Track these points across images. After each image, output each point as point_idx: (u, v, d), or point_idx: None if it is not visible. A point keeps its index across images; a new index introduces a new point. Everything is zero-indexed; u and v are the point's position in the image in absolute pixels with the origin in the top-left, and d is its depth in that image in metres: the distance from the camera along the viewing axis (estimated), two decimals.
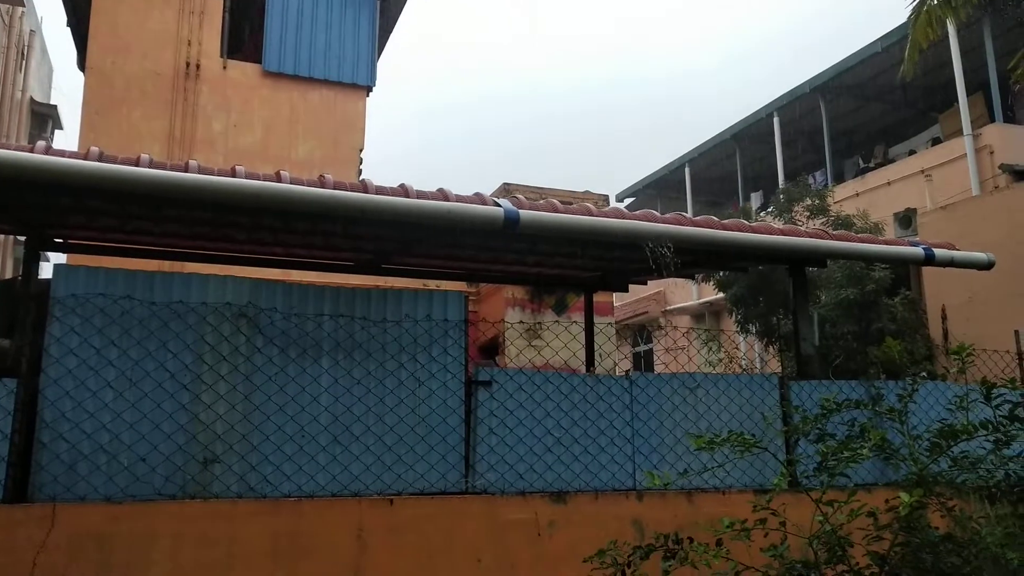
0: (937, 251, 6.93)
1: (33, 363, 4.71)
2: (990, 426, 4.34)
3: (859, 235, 7.87)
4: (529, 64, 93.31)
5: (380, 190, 5.30)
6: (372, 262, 7.83)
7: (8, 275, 17.56)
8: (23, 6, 17.14)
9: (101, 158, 4.66)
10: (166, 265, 9.89)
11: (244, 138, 13.60)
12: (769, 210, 16.61)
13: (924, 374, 7.71)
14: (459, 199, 5.55)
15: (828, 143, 19.34)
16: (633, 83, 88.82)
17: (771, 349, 15.51)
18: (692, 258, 7.15)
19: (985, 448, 4.56)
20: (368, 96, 14.43)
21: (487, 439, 5.41)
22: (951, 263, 7.09)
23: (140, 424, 4.66)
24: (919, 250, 6.90)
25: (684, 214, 6.51)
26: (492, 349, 13.07)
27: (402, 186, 5.48)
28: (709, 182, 24.88)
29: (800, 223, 14.58)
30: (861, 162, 20.24)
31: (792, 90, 19.76)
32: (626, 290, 9.65)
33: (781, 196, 16.09)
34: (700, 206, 24.36)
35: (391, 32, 15.88)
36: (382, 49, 15.72)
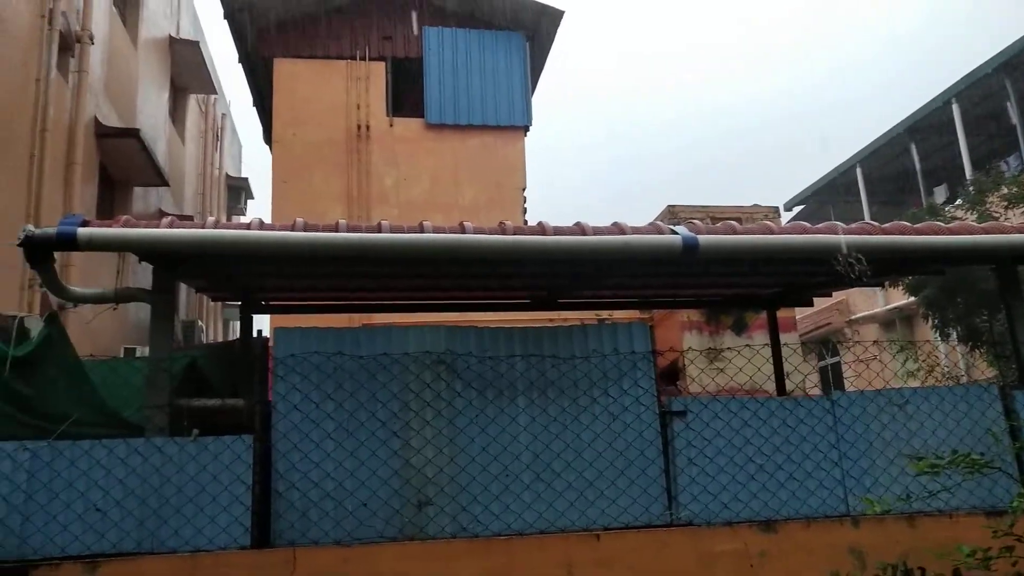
0: None
1: (261, 419, 5.17)
2: None
3: None
4: (679, 83, 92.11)
5: (558, 230, 5.44)
6: (547, 298, 7.98)
7: (212, 333, 19.35)
8: (215, 93, 19.08)
9: (306, 228, 5.11)
10: (356, 317, 10.62)
11: (413, 189, 14.37)
12: (957, 203, 15.37)
13: None
14: (635, 231, 5.58)
15: (1021, 123, 17.69)
16: (776, 97, 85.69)
17: (977, 354, 14.24)
18: (882, 266, 6.77)
19: None
20: (525, 136, 14.82)
21: (687, 469, 5.35)
22: None
23: (359, 471, 4.99)
24: None
25: (872, 222, 6.18)
26: (671, 375, 12.88)
27: (578, 224, 5.59)
28: (884, 181, 23.38)
29: (997, 215, 13.39)
30: None
31: (972, 72, 18.28)
32: (811, 304, 9.25)
33: (971, 188, 14.85)
34: (877, 207, 22.95)
35: (542, 70, 16.28)
36: (535, 87, 16.13)
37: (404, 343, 5.31)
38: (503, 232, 5.34)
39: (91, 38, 11.20)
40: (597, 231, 5.51)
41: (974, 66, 18.15)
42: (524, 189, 14.56)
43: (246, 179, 22.36)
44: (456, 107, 14.58)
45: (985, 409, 5.81)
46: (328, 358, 5.16)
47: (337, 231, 5.14)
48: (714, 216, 13.02)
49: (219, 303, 18.23)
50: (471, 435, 5.17)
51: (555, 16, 15.11)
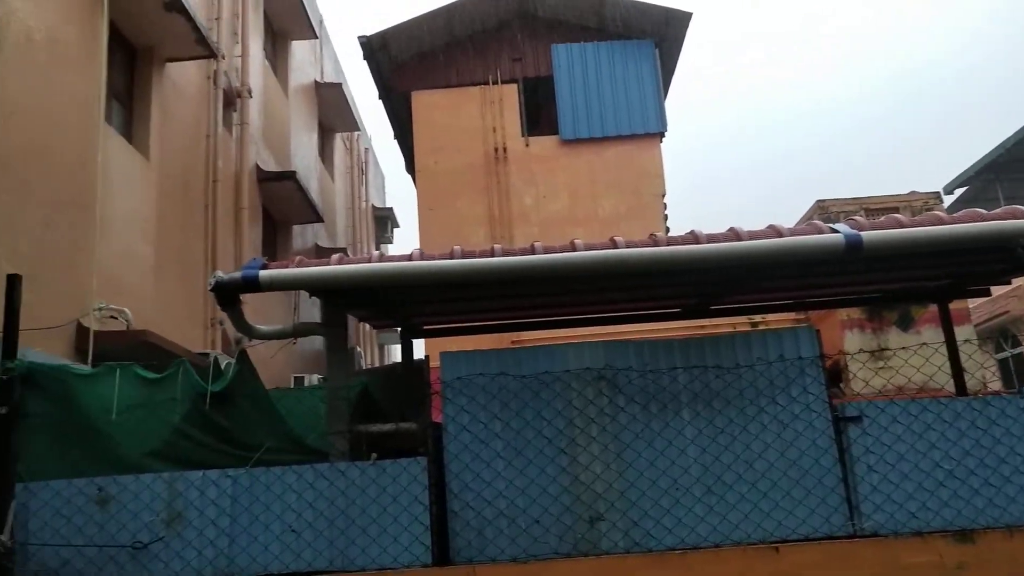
0: None
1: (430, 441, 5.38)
2: None
3: None
4: (808, 77, 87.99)
5: (711, 238, 5.35)
6: (698, 306, 7.84)
7: (369, 358, 20.25)
8: (358, 129, 20.11)
9: (463, 255, 5.30)
10: (503, 336, 10.84)
11: (552, 206, 14.53)
12: None
13: None
14: (792, 231, 5.41)
15: None
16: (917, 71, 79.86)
17: None
18: None
19: None
20: (661, 141, 14.68)
21: (868, 477, 5.10)
22: None
23: (530, 489, 5.10)
24: None
25: None
26: (834, 377, 12.28)
27: (732, 230, 5.48)
28: None
29: None
30: None
31: None
32: (988, 294, 8.60)
33: None
34: None
35: (673, 73, 16.08)
36: (667, 92, 15.95)
37: (564, 360, 5.38)
38: (655, 244, 5.32)
39: (249, 92, 12.13)
40: (752, 235, 5.39)
41: None
42: (663, 196, 14.40)
43: (391, 209, 23.36)
44: (589, 120, 14.65)
45: None
46: (492, 379, 5.31)
47: (493, 256, 5.29)
48: (868, 208, 12.37)
49: (374, 329, 19.11)
50: (638, 449, 5.16)
51: (683, 19, 14.92)
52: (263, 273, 5.22)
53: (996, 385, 18.17)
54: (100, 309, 7.57)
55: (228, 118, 11.75)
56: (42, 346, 6.49)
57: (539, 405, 5.28)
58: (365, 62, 15.23)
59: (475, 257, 5.32)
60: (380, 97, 16.18)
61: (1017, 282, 19.51)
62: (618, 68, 14.84)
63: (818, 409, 5.24)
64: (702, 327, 10.58)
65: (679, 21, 14.99)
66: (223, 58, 11.27)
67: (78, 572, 4.84)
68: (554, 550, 4.97)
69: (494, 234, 13.97)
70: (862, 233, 5.25)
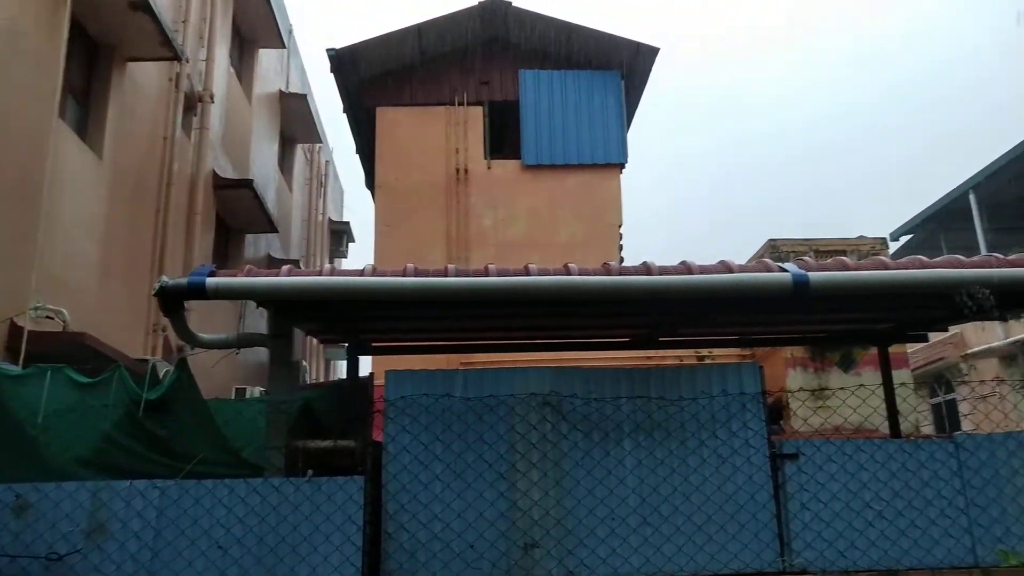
0: None
1: (369, 460, 5.31)
2: None
3: None
4: (766, 100, 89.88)
5: (664, 270, 5.42)
6: (648, 336, 7.91)
7: (315, 372, 19.99)
8: (320, 142, 19.99)
9: (417, 273, 5.28)
10: (454, 357, 10.80)
11: (511, 229, 14.57)
12: None
13: None
14: (742, 268, 5.51)
15: None
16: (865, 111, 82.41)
17: None
18: (1007, 299, 6.41)
19: None
20: (621, 172, 14.86)
21: (800, 515, 5.17)
22: None
23: (467, 512, 5.06)
24: None
25: (996, 255, 5.89)
26: (775, 414, 12.48)
27: (684, 263, 5.55)
28: (1003, 206, 22.14)
29: None
30: None
31: None
32: (926, 340, 8.86)
33: None
34: (995, 235, 21.74)
35: (637, 106, 16.33)
36: (630, 123, 16.17)
37: (510, 385, 5.37)
38: (608, 273, 5.37)
39: (211, 97, 11.98)
40: (704, 270, 5.47)
41: None
42: (620, 226, 14.55)
43: (347, 223, 23.19)
44: (552, 147, 14.77)
45: None
46: (436, 399, 5.27)
47: (447, 275, 5.28)
48: (818, 249, 12.65)
49: (322, 344, 18.89)
50: (577, 477, 5.17)
51: (650, 54, 15.17)
52: (210, 281, 5.13)
53: (929, 429, 18.63)
54: (36, 308, 7.34)
55: (188, 122, 11.58)
56: None
57: (482, 428, 5.25)
58: (332, 75, 15.17)
59: (428, 276, 5.30)
60: (345, 111, 16.12)
61: (954, 329, 20.13)
62: (584, 97, 15.02)
63: (757, 445, 5.31)
64: (650, 358, 10.69)
65: (647, 55, 15.24)
66: (187, 61, 11.12)
67: None
68: None
69: (451, 254, 13.95)
70: (809, 273, 5.37)
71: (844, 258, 5.75)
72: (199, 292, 5.08)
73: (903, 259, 5.79)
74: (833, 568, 5.05)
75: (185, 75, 11.17)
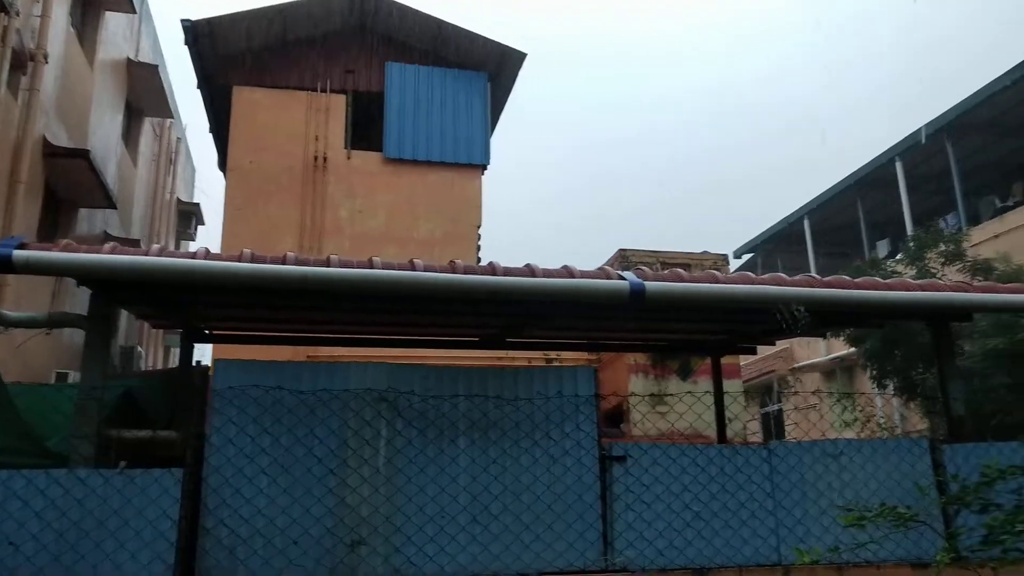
0: None
1: (195, 452, 5.05)
2: None
3: (1007, 285, 7.40)
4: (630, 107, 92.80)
5: (508, 271, 5.47)
6: (497, 337, 7.98)
7: (152, 359, 18.90)
8: (172, 117, 18.87)
9: (253, 259, 5.06)
10: (301, 349, 10.48)
11: (369, 222, 14.33)
12: (898, 258, 15.85)
13: None
14: (584, 275, 5.64)
15: (959, 184, 18.38)
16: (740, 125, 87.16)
17: (912, 406, 14.60)
18: (823, 317, 6.94)
19: None
20: (483, 174, 14.94)
21: (624, 515, 5.36)
22: None
23: (292, 508, 4.90)
24: None
25: (814, 275, 6.35)
26: (616, 417, 12.94)
27: (528, 266, 5.63)
28: (831, 232, 24.02)
29: (934, 271, 13.85)
30: (998, 202, 19.06)
31: (914, 132, 19.01)
32: (754, 352, 9.43)
33: (911, 243, 15.33)
34: (823, 258, 23.52)
35: (502, 109, 16.47)
36: (494, 126, 16.29)
37: (346, 379, 5.26)
38: (453, 271, 5.35)
39: (45, 57, 11.03)
40: (547, 273, 5.56)
41: (915, 127, 18.91)
42: (479, 226, 14.62)
43: (198, 204, 22.05)
44: (416, 143, 14.65)
45: (915, 462, 5.95)
46: (267, 391, 5.08)
47: (285, 263, 5.09)
48: (664, 261, 13.23)
49: (159, 329, 17.86)
50: (409, 474, 5.12)
51: (517, 59, 15.34)
52: (18, 253, 4.71)
53: (758, 437, 19.91)
54: None
55: (15, 81, 10.60)
56: None
57: (314, 423, 5.11)
58: (187, 48, 14.36)
59: (266, 263, 5.09)
60: (199, 86, 15.28)
61: (783, 344, 21.63)
62: (449, 95, 14.99)
63: (587, 446, 5.45)
64: (501, 359, 10.79)
65: (514, 60, 15.40)
66: (17, 15, 10.18)
67: None
68: (310, 573, 4.79)
69: (304, 243, 13.54)
70: (645, 282, 5.57)
71: (680, 270, 6.01)
72: (5, 265, 4.65)
73: (733, 274, 6.13)
74: (651, 567, 5.26)
75: (14, 29, 10.21)
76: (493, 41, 15.26)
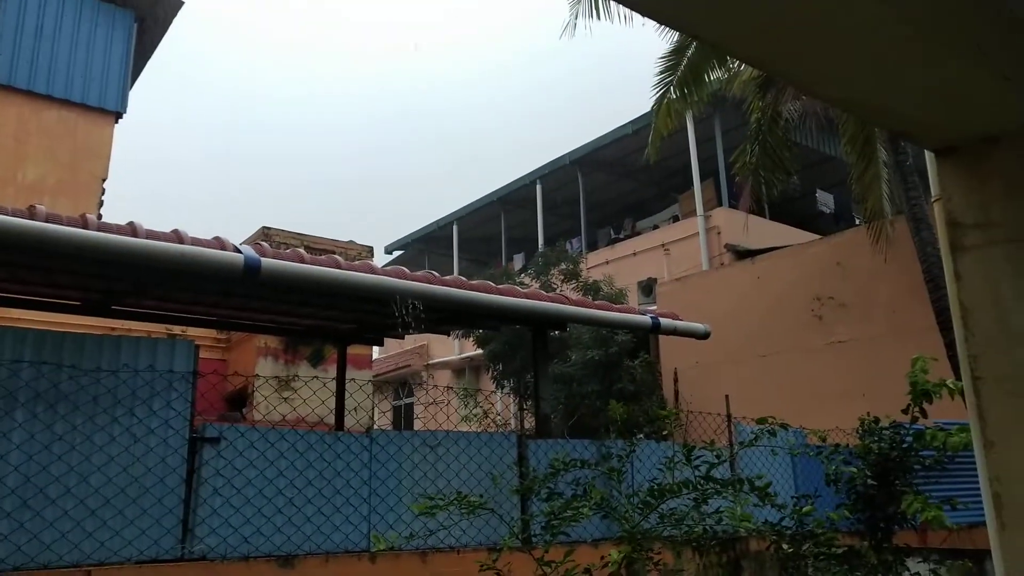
0: (662, 320, 7.60)
1: None
2: (690, 485, 4.76)
3: (596, 302, 8.45)
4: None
5: (104, 227, 4.86)
6: (102, 303, 7.13)
7: None
8: None
9: None
10: None
11: None
12: (529, 272, 17.41)
13: (641, 435, 8.34)
14: (195, 242, 5.23)
15: (584, 212, 20.76)
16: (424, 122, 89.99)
17: (526, 405, 16.11)
18: (445, 315, 7.27)
19: (688, 505, 4.98)
20: (117, 123, 13.36)
21: (210, 500, 5.04)
22: (674, 332, 7.80)
23: None
24: (647, 318, 7.52)
25: (434, 273, 6.61)
26: (240, 400, 12.36)
27: (130, 224, 5.07)
28: (476, 241, 25.66)
29: (556, 286, 15.43)
30: (612, 232, 21.90)
31: (554, 160, 21.07)
32: (381, 344, 9.61)
33: (539, 260, 16.96)
34: (467, 263, 25.01)
35: (150, 57, 14.91)
36: (138, 74, 14.70)
37: None
38: (32, 217, 4.61)
39: None
40: (152, 235, 5.05)
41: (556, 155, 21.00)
42: (104, 180, 13.02)
43: None
44: (35, 71, 12.58)
45: (503, 455, 6.46)
46: None
47: None
48: (309, 246, 12.93)
49: None
50: None
51: (174, 4, 14.01)
52: None
53: (388, 427, 20.50)
54: None
55: None
56: None
57: None
58: None
59: None
60: None
61: (422, 341, 22.57)
62: (85, 25, 13.12)
63: (177, 427, 5.04)
64: (114, 329, 9.67)
65: (170, 5, 14.04)
66: None
67: None
68: None
69: None
70: (262, 259, 5.33)
71: (301, 251, 5.86)
72: None
73: (356, 263, 6.13)
74: (234, 555, 5.01)
75: None
76: None
